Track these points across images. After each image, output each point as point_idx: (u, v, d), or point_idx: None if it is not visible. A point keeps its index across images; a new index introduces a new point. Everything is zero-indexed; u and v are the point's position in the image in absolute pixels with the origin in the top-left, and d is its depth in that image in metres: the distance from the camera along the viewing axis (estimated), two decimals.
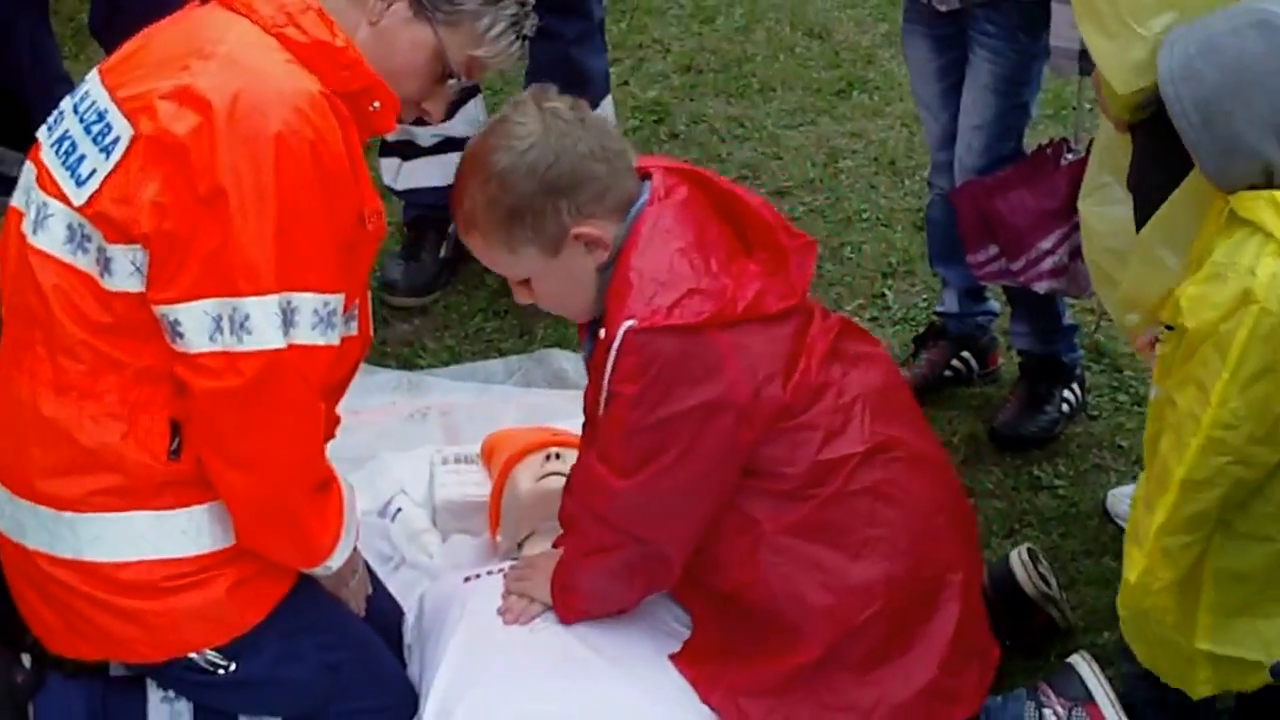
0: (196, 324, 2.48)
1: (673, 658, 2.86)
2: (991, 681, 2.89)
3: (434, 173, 4.22)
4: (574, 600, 2.87)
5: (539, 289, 2.80)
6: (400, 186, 4.30)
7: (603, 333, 2.67)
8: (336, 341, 2.59)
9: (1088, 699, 2.87)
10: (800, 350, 2.73)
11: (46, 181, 2.61)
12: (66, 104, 2.66)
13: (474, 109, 4.23)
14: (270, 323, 2.48)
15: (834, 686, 2.78)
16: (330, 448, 2.71)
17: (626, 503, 2.73)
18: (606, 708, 2.76)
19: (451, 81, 2.69)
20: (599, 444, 2.74)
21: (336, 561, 2.71)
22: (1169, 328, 2.63)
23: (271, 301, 2.48)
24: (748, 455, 2.71)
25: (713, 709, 2.80)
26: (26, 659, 2.78)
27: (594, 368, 2.72)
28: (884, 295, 4.32)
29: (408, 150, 4.19)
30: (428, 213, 4.32)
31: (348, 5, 2.60)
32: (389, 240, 4.46)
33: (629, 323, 2.60)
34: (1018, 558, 3.18)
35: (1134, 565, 2.67)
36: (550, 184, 2.66)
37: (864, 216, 4.65)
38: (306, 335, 2.53)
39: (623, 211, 2.71)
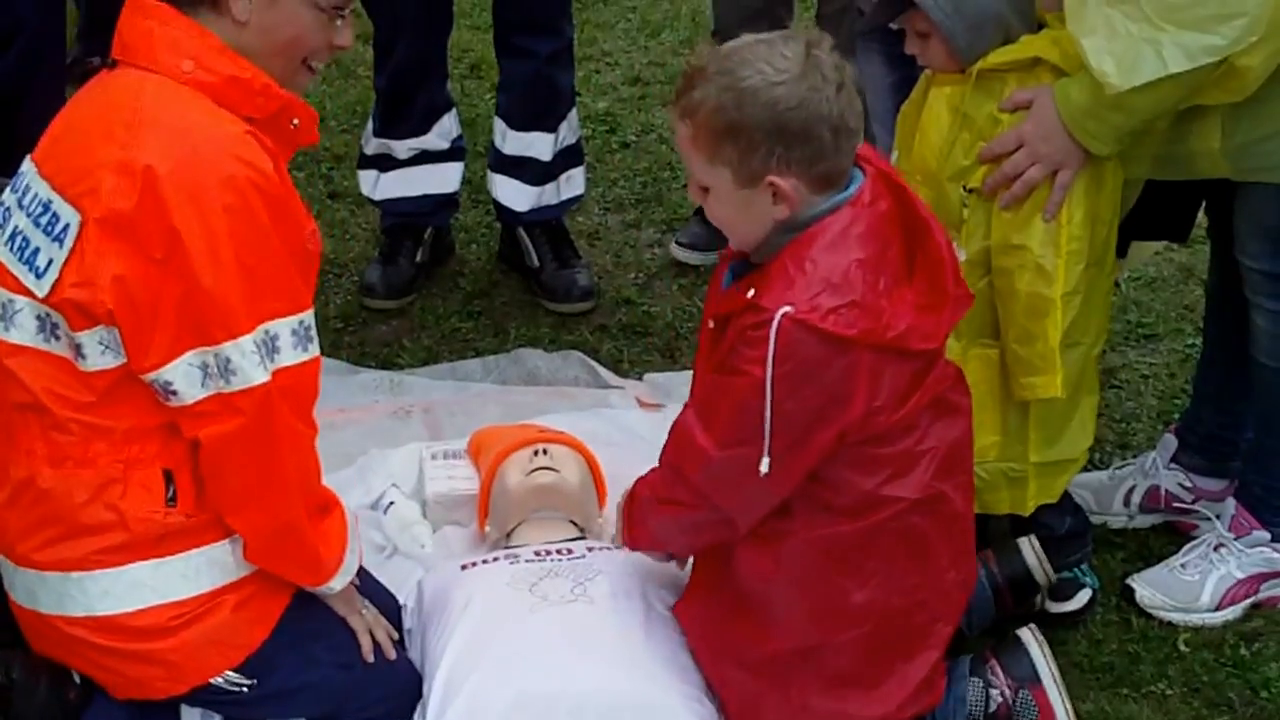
0: (185, 377, 2.57)
1: (674, 607, 2.95)
2: None
3: (410, 184, 4.33)
4: (642, 534, 2.93)
5: (712, 204, 2.72)
6: (378, 197, 4.37)
7: (751, 292, 2.64)
8: (318, 352, 2.70)
9: (1034, 680, 2.91)
10: (915, 391, 2.72)
11: (7, 278, 2.66)
12: (10, 199, 2.71)
13: (448, 122, 4.33)
14: (250, 361, 2.57)
15: (801, 686, 2.80)
16: (320, 446, 2.77)
17: (716, 471, 2.70)
18: (599, 685, 2.84)
19: (340, 20, 2.71)
20: (704, 406, 2.72)
21: (339, 583, 2.81)
22: (969, 190, 2.99)
23: (247, 342, 2.57)
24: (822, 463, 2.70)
25: (698, 664, 2.88)
26: (76, 675, 2.82)
27: (717, 313, 2.74)
28: None
29: (385, 163, 4.28)
30: (404, 220, 4.39)
31: (215, 20, 2.63)
32: (368, 245, 4.58)
33: (787, 308, 2.56)
34: (1029, 545, 3.18)
35: (1049, 384, 3.01)
36: (779, 126, 2.59)
37: None
38: (291, 356, 2.63)
39: (826, 185, 2.65)
